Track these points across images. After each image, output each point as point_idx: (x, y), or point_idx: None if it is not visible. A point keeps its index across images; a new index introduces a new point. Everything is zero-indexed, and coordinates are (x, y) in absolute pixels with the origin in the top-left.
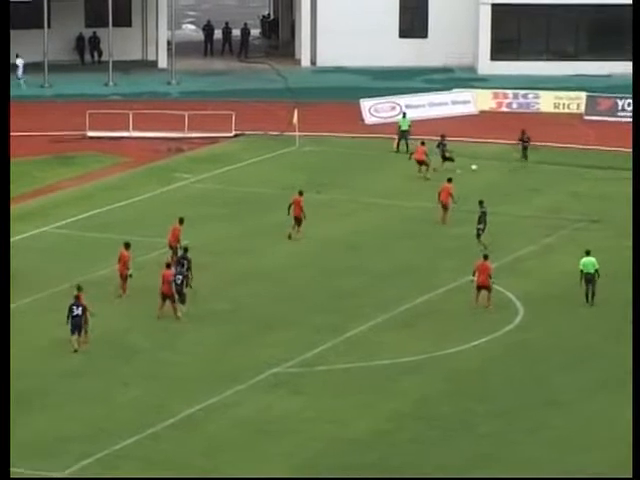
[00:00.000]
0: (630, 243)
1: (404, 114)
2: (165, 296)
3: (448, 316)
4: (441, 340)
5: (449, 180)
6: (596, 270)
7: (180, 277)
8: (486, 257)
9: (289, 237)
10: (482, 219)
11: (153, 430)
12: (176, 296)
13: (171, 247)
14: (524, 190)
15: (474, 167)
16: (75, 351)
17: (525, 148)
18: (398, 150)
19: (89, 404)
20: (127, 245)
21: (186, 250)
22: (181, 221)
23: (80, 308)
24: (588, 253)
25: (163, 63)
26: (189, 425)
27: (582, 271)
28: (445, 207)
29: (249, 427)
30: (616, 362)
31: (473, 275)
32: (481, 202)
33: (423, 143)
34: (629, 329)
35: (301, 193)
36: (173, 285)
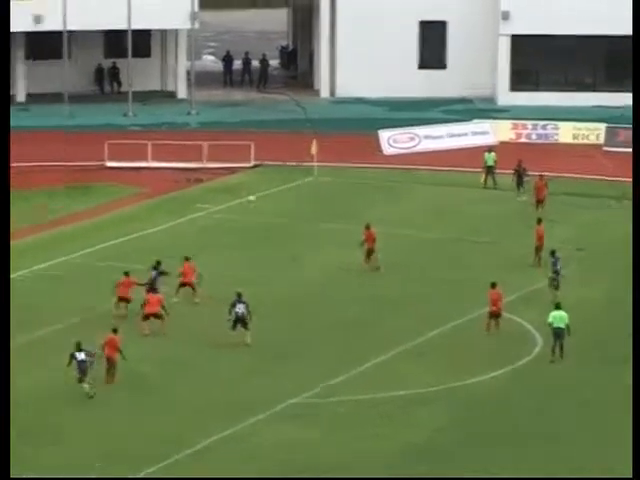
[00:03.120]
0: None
1: (489, 149)
2: (150, 315)
3: (465, 347)
4: (457, 371)
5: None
6: (567, 325)
7: (242, 306)
8: (494, 285)
9: (373, 268)
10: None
11: (170, 461)
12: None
13: (189, 284)
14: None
15: (252, 198)
16: (91, 397)
17: (520, 178)
18: (486, 185)
19: (105, 436)
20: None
21: (240, 295)
22: (187, 258)
23: (83, 353)
24: (558, 306)
25: (182, 93)
26: (207, 456)
27: (551, 324)
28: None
29: (265, 458)
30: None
31: (492, 305)
32: (553, 252)
33: (542, 177)
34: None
35: (368, 227)
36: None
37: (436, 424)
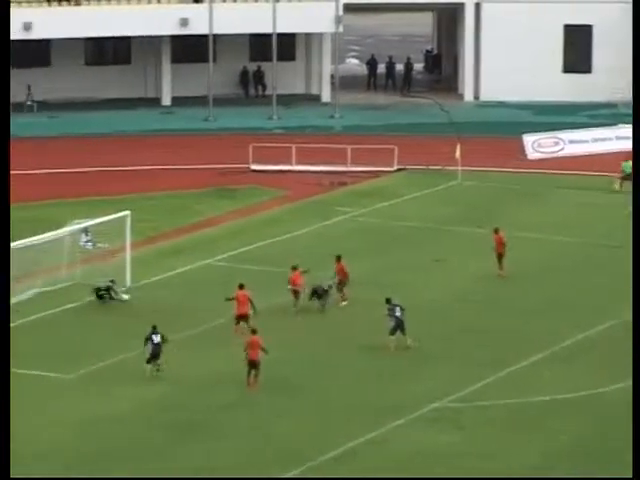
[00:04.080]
0: None
1: (627, 158)
2: (241, 317)
3: (608, 353)
4: (601, 377)
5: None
6: None
7: (398, 308)
8: None
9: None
10: None
11: (314, 463)
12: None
13: (341, 282)
14: None
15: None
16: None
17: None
18: (621, 190)
19: (246, 436)
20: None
21: (389, 300)
22: (338, 258)
23: (159, 336)
24: None
25: (326, 97)
26: (350, 458)
27: None
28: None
29: (406, 463)
30: None
31: None
32: None
33: None
34: None
35: (496, 231)
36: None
37: (579, 429)
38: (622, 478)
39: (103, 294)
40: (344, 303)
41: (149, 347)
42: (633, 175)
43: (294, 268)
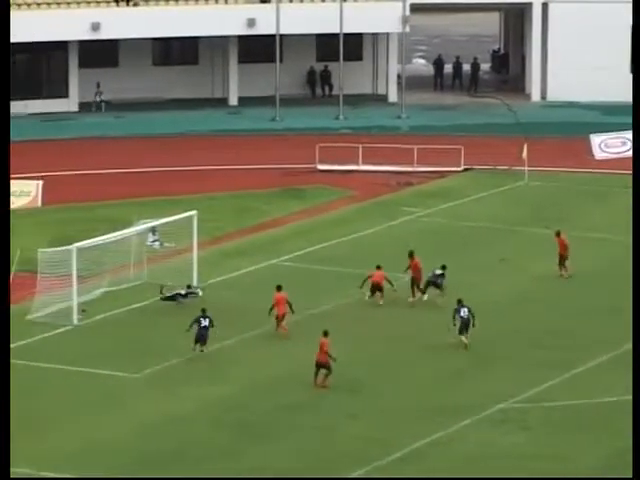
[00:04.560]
0: None
1: None
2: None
3: None
4: None
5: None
6: None
7: (467, 310)
8: None
9: (561, 276)
10: None
11: (380, 462)
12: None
13: (415, 280)
14: None
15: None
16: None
17: None
18: None
19: (312, 436)
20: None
21: (460, 301)
22: (411, 254)
23: (207, 319)
24: None
25: (393, 97)
26: (416, 459)
27: None
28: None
29: (472, 464)
30: None
31: None
32: None
33: None
34: None
35: (558, 234)
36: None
37: None
38: (626, 478)
39: (184, 297)
40: (412, 299)
41: (195, 329)
42: (633, 175)
43: (379, 267)
